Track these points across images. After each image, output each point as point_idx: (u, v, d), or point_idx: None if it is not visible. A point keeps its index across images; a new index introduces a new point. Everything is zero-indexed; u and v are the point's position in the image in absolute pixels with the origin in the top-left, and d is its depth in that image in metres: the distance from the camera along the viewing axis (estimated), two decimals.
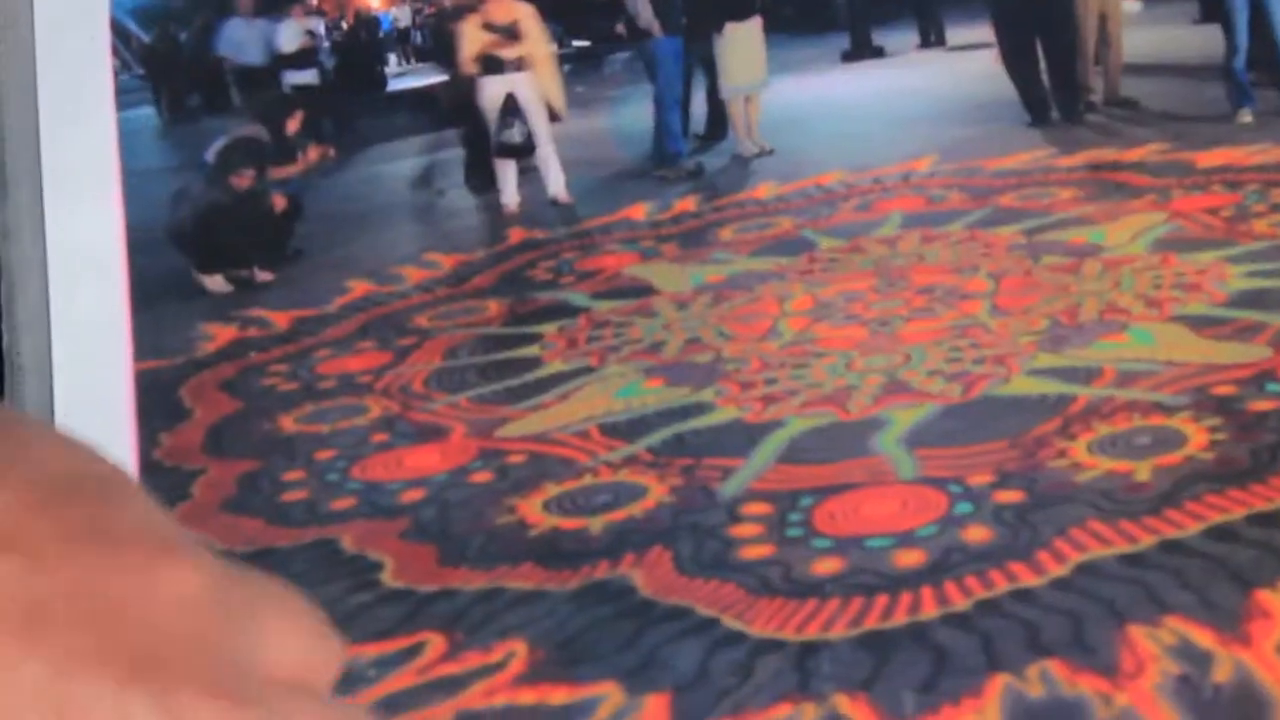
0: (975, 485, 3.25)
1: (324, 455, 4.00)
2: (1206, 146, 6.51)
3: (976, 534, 3.00)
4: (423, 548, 3.32)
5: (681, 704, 2.48)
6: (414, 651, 2.79)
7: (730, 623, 2.72)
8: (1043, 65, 7.70)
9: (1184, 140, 6.74)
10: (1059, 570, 2.80)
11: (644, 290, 5.47)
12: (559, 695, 2.56)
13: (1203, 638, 2.49)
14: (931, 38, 13.29)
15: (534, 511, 3.45)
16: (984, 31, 9.25)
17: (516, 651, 2.74)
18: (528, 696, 2.57)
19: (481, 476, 3.75)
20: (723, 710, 2.43)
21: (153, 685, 0.24)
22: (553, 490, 3.57)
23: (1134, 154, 6.69)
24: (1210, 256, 4.82)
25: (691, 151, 8.37)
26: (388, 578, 3.17)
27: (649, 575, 2.99)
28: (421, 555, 3.28)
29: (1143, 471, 3.21)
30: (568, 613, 2.87)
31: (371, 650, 2.78)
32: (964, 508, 3.15)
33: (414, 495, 3.67)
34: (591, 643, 2.73)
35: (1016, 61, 7.76)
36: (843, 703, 2.39)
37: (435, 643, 2.82)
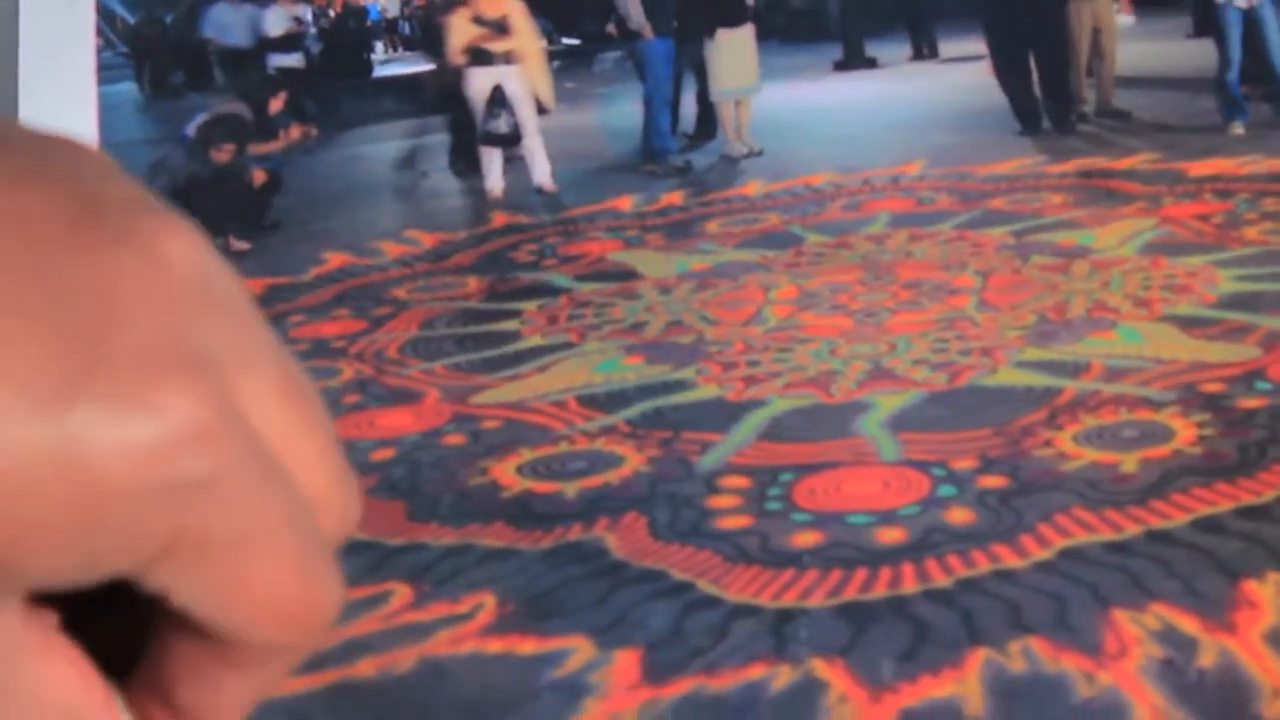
0: (959, 469, 3.18)
1: None
2: (1198, 157, 6.48)
3: (959, 515, 2.93)
4: (392, 504, 3.25)
5: (653, 660, 2.40)
6: (380, 599, 2.72)
7: (705, 587, 2.65)
8: (1034, 76, 7.68)
9: (1175, 150, 6.71)
10: (1042, 554, 2.73)
11: (627, 274, 5.40)
12: (527, 646, 2.49)
13: (1188, 624, 2.42)
14: (924, 50, 13.30)
15: (507, 474, 3.37)
16: (976, 44, 9.22)
17: (485, 604, 2.66)
18: (495, 646, 2.49)
19: (454, 439, 3.68)
20: (695, 668, 2.35)
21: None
22: (527, 455, 3.49)
23: (1125, 162, 6.66)
24: (1200, 260, 4.77)
25: (680, 150, 8.32)
26: (354, 530, 3.09)
27: (623, 539, 2.91)
28: (390, 511, 3.20)
29: (1129, 463, 3.15)
30: (539, 570, 2.80)
31: None
32: (947, 490, 3.08)
33: (384, 454, 3.60)
34: (562, 599, 2.66)
35: (1008, 72, 7.73)
36: (819, 667, 2.31)
37: (401, 592, 2.75)
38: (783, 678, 2.30)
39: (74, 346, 0.21)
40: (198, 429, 0.22)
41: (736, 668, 2.34)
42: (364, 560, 2.91)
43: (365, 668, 2.48)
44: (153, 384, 0.22)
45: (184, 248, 0.23)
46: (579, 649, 2.47)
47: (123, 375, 0.22)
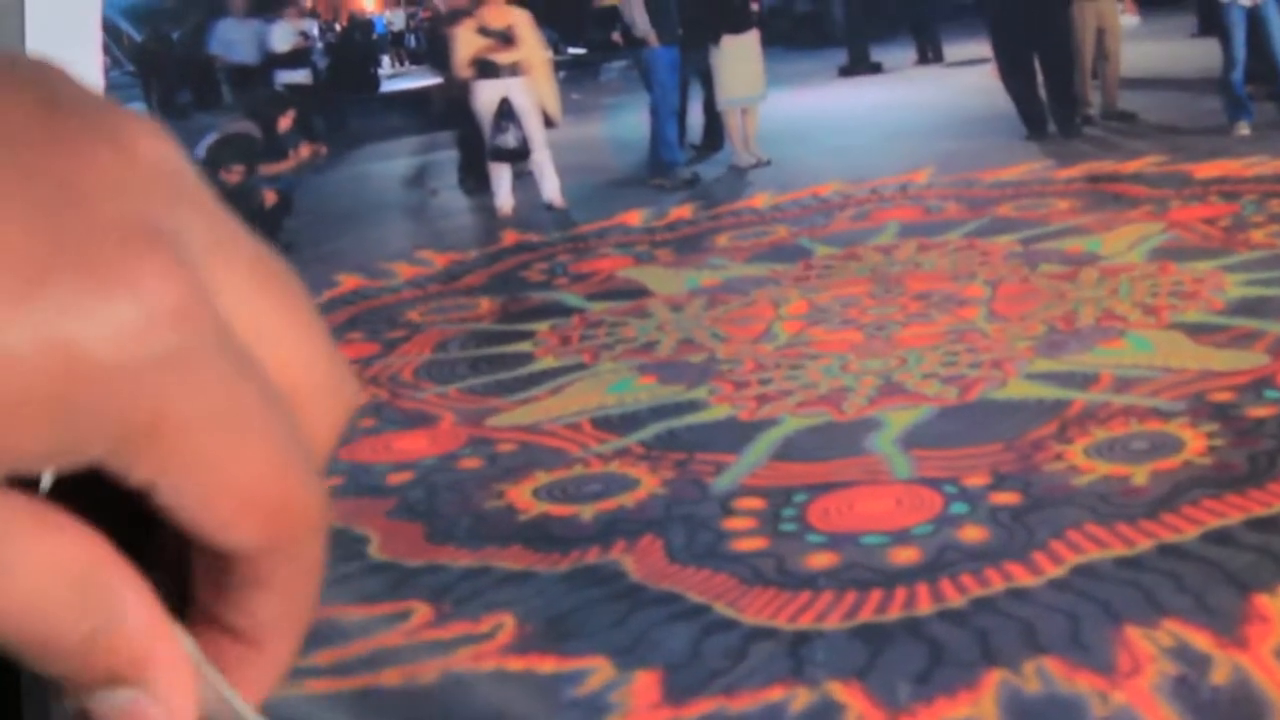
0: (971, 486, 3.21)
1: None
2: (1204, 158, 6.50)
3: (972, 534, 2.96)
4: (410, 525, 3.30)
5: (673, 681, 2.44)
6: (401, 617, 2.77)
7: (722, 610, 2.68)
8: (1040, 80, 7.69)
9: (1182, 152, 6.73)
10: (1055, 571, 2.75)
11: (638, 292, 5.43)
12: (547, 665, 2.53)
13: (1200, 640, 2.44)
14: (929, 54, 13.31)
15: (524, 497, 3.41)
16: (981, 47, 9.23)
17: (505, 624, 2.71)
18: (516, 664, 2.54)
19: (471, 463, 3.72)
20: (715, 689, 2.38)
21: None
22: (543, 478, 3.53)
23: (1131, 166, 6.67)
24: (1208, 265, 4.79)
25: (688, 161, 8.33)
26: (374, 551, 3.14)
27: (640, 562, 2.95)
28: (409, 532, 3.25)
29: (1140, 476, 3.17)
30: (557, 593, 2.84)
31: (357, 613, 2.75)
32: (959, 508, 3.10)
33: (402, 477, 3.64)
34: (581, 621, 2.70)
35: (1014, 76, 7.74)
36: (837, 689, 2.34)
37: (422, 611, 2.80)
38: (801, 700, 2.34)
39: (48, 228, 0.21)
40: (173, 305, 0.22)
41: (755, 689, 2.38)
42: (384, 580, 2.97)
43: (390, 676, 2.53)
44: (127, 262, 0.22)
45: (151, 141, 0.24)
46: (599, 669, 2.52)
47: (98, 254, 0.22)
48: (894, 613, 2.60)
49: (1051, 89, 7.74)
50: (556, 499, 3.39)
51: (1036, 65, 7.73)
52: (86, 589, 0.23)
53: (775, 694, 2.36)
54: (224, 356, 0.23)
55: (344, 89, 12.35)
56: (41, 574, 0.22)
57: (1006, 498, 3.11)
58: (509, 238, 6.84)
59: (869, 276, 5.28)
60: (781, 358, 4.36)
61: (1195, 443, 3.31)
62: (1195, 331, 4.13)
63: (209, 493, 0.23)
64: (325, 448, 0.25)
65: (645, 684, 2.44)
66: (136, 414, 0.22)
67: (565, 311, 5.26)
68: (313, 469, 0.24)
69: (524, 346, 4.83)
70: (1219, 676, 2.32)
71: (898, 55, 12.66)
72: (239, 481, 0.23)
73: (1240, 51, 6.82)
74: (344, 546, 3.18)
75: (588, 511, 3.28)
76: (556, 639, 2.63)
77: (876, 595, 2.68)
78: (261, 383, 0.24)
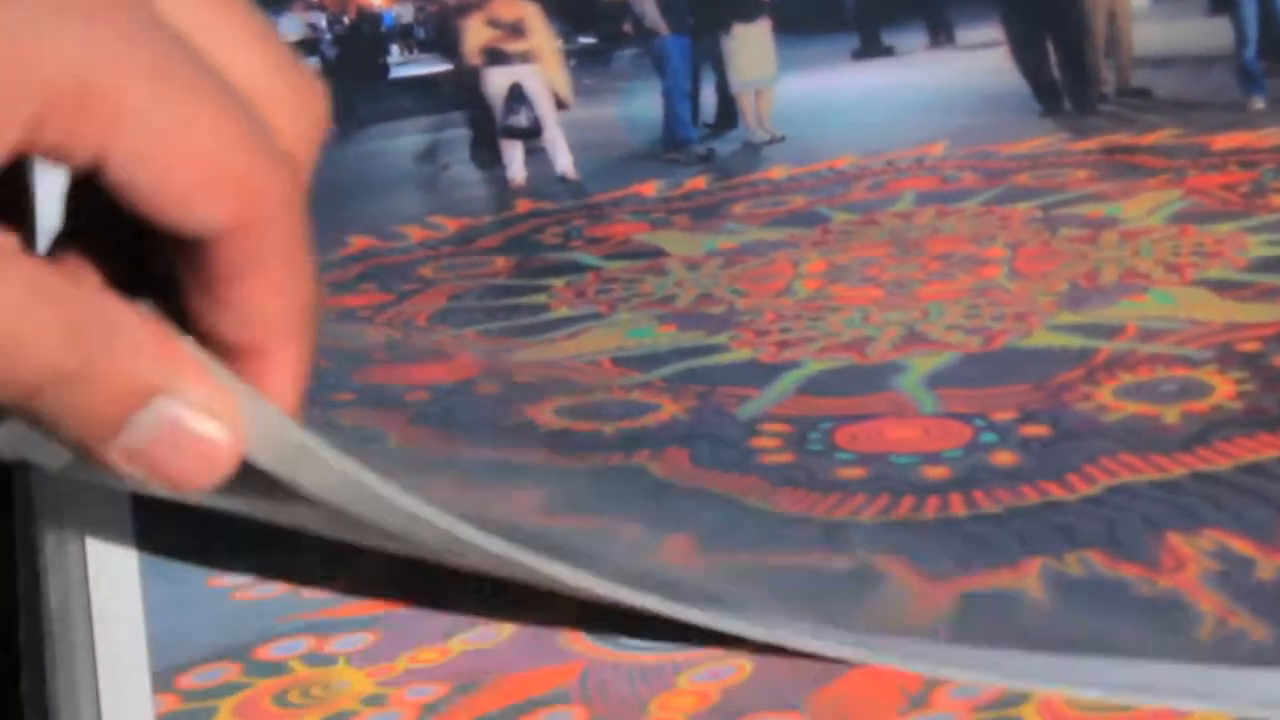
0: (999, 420, 3.17)
1: (322, 364, 3.97)
2: (1220, 130, 6.51)
3: (1003, 458, 2.91)
4: (429, 429, 3.27)
5: (705, 543, 2.41)
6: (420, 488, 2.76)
7: (753, 502, 2.65)
8: (1053, 58, 7.73)
9: (1197, 125, 6.74)
10: (1089, 490, 2.72)
11: (655, 253, 5.42)
12: (573, 523, 2.51)
13: (1243, 546, 2.40)
14: (941, 37, 13.46)
15: (544, 415, 3.38)
16: (994, 31, 9.30)
17: (531, 497, 2.69)
18: (547, 521, 2.52)
19: (488, 388, 3.69)
20: (750, 549, 2.36)
21: None
22: (564, 401, 3.51)
23: (1148, 138, 6.68)
24: (1228, 228, 4.76)
25: (701, 139, 8.38)
26: (392, 444, 3.12)
27: (665, 465, 2.92)
28: (425, 434, 3.23)
29: (1170, 415, 3.12)
30: (582, 484, 2.81)
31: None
32: (989, 437, 3.06)
33: (418, 396, 3.62)
34: (607, 502, 2.68)
35: (1025, 52, 7.78)
36: (878, 560, 2.31)
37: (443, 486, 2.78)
38: (840, 565, 2.32)
39: None
40: None
41: (792, 553, 2.36)
42: (403, 461, 2.96)
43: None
44: None
45: None
46: (629, 531, 2.49)
47: None
48: (929, 513, 2.57)
49: (1066, 65, 7.79)
50: (579, 417, 3.37)
51: (1049, 46, 7.78)
52: (69, 308, 0.22)
53: (813, 559, 2.34)
54: (149, 20, 0.21)
55: (353, 76, 12.52)
56: (16, 300, 0.21)
57: (1036, 430, 3.07)
58: (522, 206, 6.86)
59: (888, 240, 5.26)
60: (802, 310, 4.33)
61: (1224, 388, 3.25)
62: (1219, 287, 4.10)
63: (164, 160, 0.21)
64: (303, 159, 0.23)
65: (678, 542, 2.42)
66: (55, 77, 0.20)
67: (580, 269, 5.25)
68: (276, 151, 0.23)
69: (539, 299, 4.82)
70: (1264, 574, 2.28)
71: (910, 39, 12.78)
72: (192, 146, 0.21)
73: (1252, 29, 6.81)
74: (358, 441, 3.18)
75: (610, 428, 3.25)
76: (583, 509, 2.61)
77: (909, 500, 2.64)
78: (199, 58, 0.21)
